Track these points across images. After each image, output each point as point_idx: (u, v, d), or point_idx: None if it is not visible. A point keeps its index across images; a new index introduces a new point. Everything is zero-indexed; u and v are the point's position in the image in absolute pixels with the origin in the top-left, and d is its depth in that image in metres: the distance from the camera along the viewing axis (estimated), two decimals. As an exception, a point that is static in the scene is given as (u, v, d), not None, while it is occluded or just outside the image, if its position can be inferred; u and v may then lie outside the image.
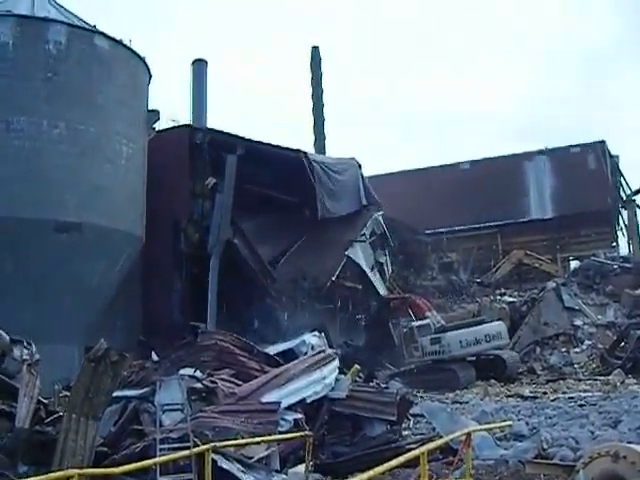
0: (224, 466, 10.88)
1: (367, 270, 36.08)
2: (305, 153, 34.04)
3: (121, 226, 24.32)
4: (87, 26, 24.84)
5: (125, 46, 25.52)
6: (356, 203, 37.57)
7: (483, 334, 29.49)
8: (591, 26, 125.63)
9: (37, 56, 23.07)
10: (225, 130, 31.23)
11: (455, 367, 28.50)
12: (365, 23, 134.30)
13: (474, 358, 29.63)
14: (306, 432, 11.80)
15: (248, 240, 29.74)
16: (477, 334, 29.45)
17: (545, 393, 23.72)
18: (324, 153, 55.35)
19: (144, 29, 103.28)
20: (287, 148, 32.94)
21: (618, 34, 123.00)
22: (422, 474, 7.22)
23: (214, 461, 9.79)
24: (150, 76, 27.41)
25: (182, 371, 14.47)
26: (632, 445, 6.33)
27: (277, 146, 31.89)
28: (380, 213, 39.56)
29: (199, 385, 13.85)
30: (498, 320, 32.22)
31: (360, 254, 36.06)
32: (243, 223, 30.08)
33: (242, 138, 30.21)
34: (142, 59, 26.50)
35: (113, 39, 24.95)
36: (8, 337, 12.22)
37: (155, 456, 10.38)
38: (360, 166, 39.22)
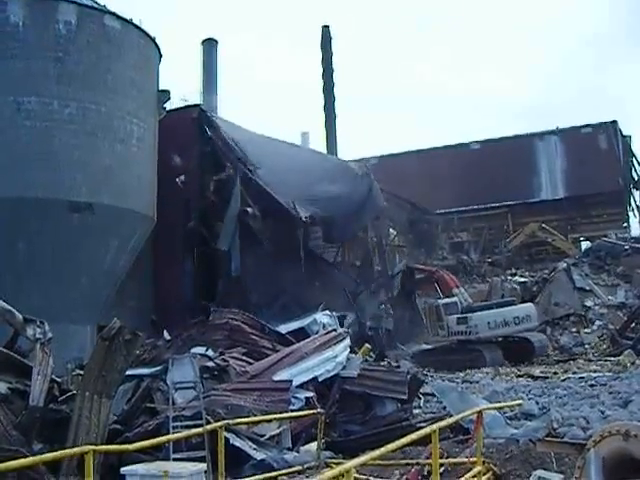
0: (236, 444, 10.99)
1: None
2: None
3: (132, 206, 24.34)
4: (97, 6, 24.74)
5: (135, 26, 25.42)
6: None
7: (512, 316, 28.86)
8: (605, 6, 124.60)
9: (47, 36, 22.99)
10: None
11: (482, 348, 28.07)
12: (375, 5, 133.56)
13: (501, 339, 29.13)
14: (318, 410, 11.89)
15: (244, 283, 27.95)
16: (506, 315, 28.81)
17: (555, 373, 23.75)
18: (334, 132, 55.36)
19: (154, 8, 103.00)
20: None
21: (631, 15, 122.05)
22: (433, 452, 7.26)
23: (226, 439, 9.87)
24: (160, 56, 27.34)
25: (194, 350, 14.58)
26: (643, 424, 6.34)
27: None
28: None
29: (211, 363, 13.95)
30: (528, 302, 31.80)
31: None
32: (248, 256, 28.21)
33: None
34: (152, 39, 26.40)
35: (123, 19, 24.84)
36: (21, 316, 12.29)
37: (168, 434, 10.46)
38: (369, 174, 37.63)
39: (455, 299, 30.00)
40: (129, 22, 25.12)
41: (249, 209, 28.17)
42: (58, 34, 23.08)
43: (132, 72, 24.95)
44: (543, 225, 48.98)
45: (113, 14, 24.52)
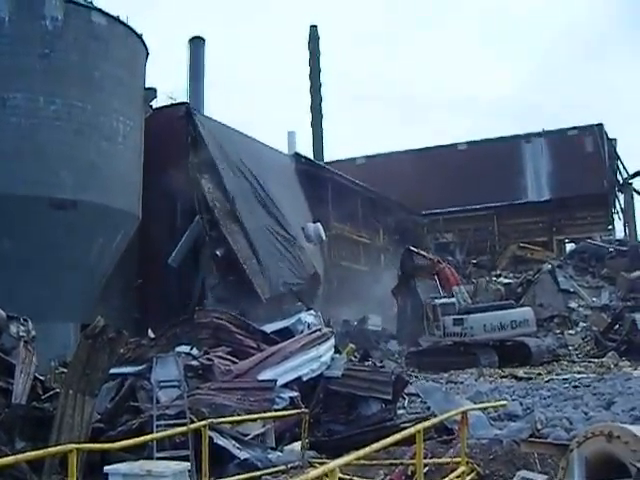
0: (220, 443, 10.96)
1: None
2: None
3: (117, 204, 24.24)
4: (84, 2, 24.59)
5: (122, 23, 25.32)
6: None
7: (509, 320, 28.22)
8: (590, 8, 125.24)
9: (33, 32, 22.83)
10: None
11: (477, 351, 27.51)
12: (363, 4, 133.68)
13: (497, 343, 28.45)
14: (302, 410, 11.88)
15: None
16: (503, 319, 28.14)
17: (539, 374, 23.79)
18: (321, 131, 55.45)
19: (141, 5, 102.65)
20: None
21: (617, 16, 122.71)
22: (418, 452, 7.26)
23: (210, 438, 9.84)
24: (147, 53, 27.25)
25: (178, 348, 14.52)
26: (626, 425, 6.37)
27: None
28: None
29: (195, 362, 13.90)
30: (527, 306, 31.38)
31: None
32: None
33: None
34: (139, 36, 26.31)
35: (110, 16, 24.72)
36: (5, 313, 12.23)
37: (152, 432, 10.43)
38: None
39: (453, 299, 29.34)
40: (116, 19, 25.02)
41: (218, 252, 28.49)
42: (44, 30, 22.93)
43: (119, 69, 24.85)
44: (521, 244, 49.39)
45: (100, 11, 24.40)
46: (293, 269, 31.46)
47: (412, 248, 33.14)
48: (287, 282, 29.97)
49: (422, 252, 33.13)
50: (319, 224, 35.40)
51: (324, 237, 35.61)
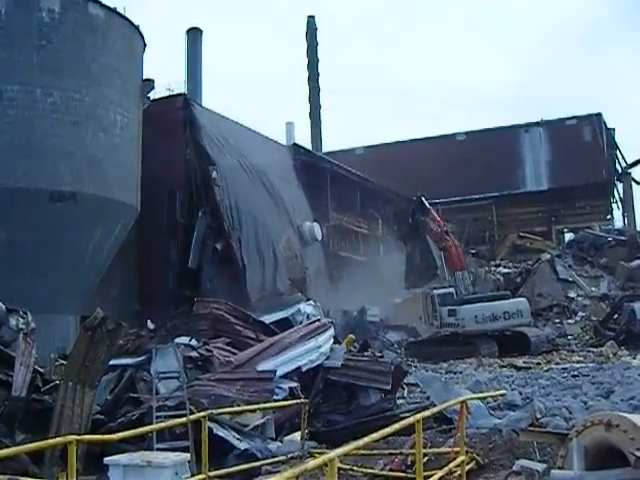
0: (220, 434, 10.97)
1: None
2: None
3: (116, 196, 24.25)
4: (81, -7, 24.56)
5: (119, 14, 25.29)
6: None
7: (502, 311, 28.21)
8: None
9: (30, 24, 22.82)
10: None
11: (476, 341, 27.56)
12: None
13: (497, 333, 28.47)
14: (301, 400, 11.88)
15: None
16: (495, 310, 28.16)
17: (538, 364, 23.83)
18: (319, 122, 55.41)
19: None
20: None
21: (615, 6, 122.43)
22: (417, 442, 7.26)
23: (210, 429, 9.84)
24: (145, 45, 27.21)
25: (178, 339, 14.51)
26: (625, 414, 6.39)
27: None
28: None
29: (195, 353, 13.90)
30: (522, 297, 31.30)
31: None
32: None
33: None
34: (136, 28, 26.28)
35: (107, 7, 24.69)
36: (4, 306, 12.23)
37: (151, 423, 10.43)
38: None
39: (451, 290, 29.29)
40: (113, 10, 24.99)
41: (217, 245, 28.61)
42: (41, 22, 22.92)
43: (116, 61, 24.83)
44: (520, 234, 49.45)
45: (97, 2, 24.37)
46: (279, 274, 31.42)
47: (424, 200, 32.25)
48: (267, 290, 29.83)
49: (433, 212, 32.02)
50: (315, 224, 35.24)
51: (319, 238, 35.43)
